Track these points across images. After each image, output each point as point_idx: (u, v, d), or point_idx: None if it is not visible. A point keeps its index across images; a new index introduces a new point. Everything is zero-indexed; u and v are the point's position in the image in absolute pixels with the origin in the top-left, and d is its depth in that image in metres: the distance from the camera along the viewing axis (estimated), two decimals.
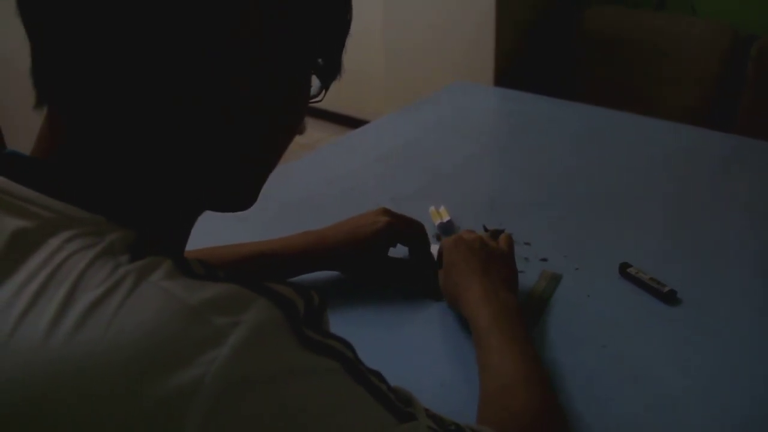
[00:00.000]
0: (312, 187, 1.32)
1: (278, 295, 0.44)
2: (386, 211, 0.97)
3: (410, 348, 0.88)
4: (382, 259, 0.98)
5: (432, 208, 1.14)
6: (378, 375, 0.49)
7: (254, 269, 0.92)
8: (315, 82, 0.57)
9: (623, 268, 0.99)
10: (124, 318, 0.41)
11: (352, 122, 3.20)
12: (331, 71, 0.56)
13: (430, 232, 1.05)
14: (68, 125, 0.49)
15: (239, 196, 0.57)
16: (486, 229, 1.05)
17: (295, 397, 0.42)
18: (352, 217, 0.98)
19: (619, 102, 2.52)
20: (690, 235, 1.11)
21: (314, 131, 2.88)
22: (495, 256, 0.90)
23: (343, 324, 0.90)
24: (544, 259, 1.03)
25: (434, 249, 0.98)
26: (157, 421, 0.39)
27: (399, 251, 1.01)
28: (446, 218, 1.11)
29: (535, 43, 2.94)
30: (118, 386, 0.39)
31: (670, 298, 0.93)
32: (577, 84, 2.85)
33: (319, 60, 0.55)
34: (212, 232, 0.88)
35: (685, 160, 1.38)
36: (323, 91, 0.57)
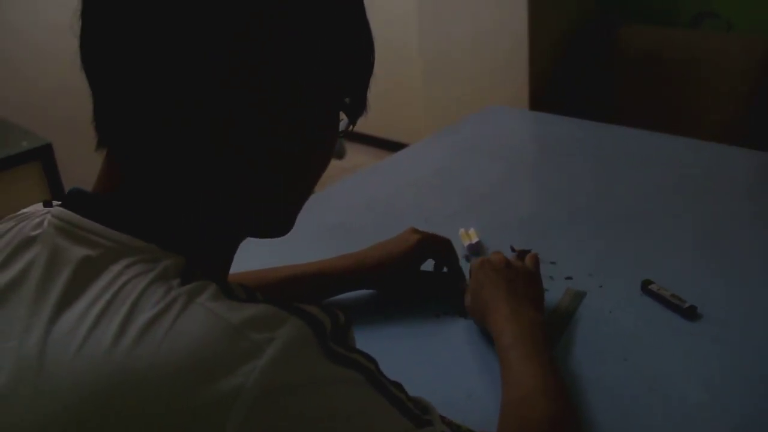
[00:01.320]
0: (350, 211, 1.38)
1: (308, 315, 0.50)
2: (415, 231, 1.04)
3: (439, 362, 0.93)
4: (414, 275, 1.05)
5: (462, 230, 1.19)
6: (398, 386, 0.55)
7: (294, 291, 0.99)
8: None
9: (645, 285, 1.02)
10: (176, 334, 0.47)
11: (393, 146, 3.27)
12: (357, 108, 0.62)
13: (460, 253, 1.10)
14: (124, 166, 0.57)
15: (277, 225, 0.63)
16: (513, 250, 1.10)
17: (322, 404, 0.48)
18: (385, 240, 1.04)
19: (655, 119, 2.54)
20: (715, 252, 1.13)
21: (356, 155, 2.95)
22: (520, 275, 0.95)
23: (378, 338, 0.98)
24: (569, 278, 1.07)
25: (465, 271, 1.04)
26: (203, 422, 0.45)
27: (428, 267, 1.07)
28: (475, 239, 1.16)
29: (569, 63, 2.97)
30: (172, 392, 0.46)
31: (690, 313, 0.96)
32: (613, 102, 2.87)
33: (347, 99, 0.61)
34: (257, 253, 0.94)
35: (714, 178, 1.40)
36: (351, 126, 0.64)
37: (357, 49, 0.60)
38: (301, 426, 0.47)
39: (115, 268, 0.52)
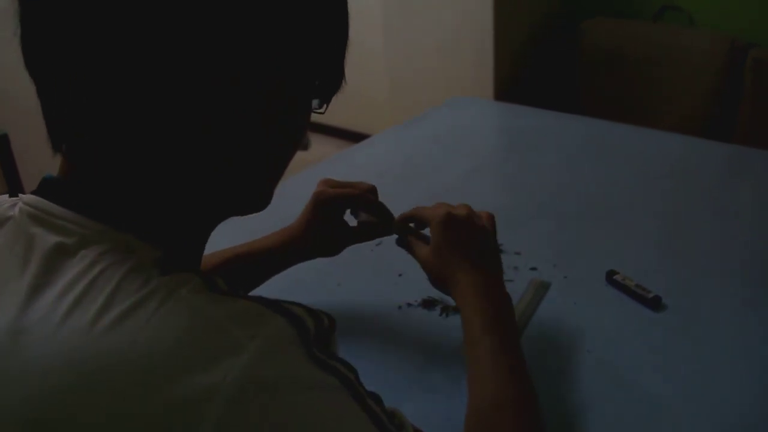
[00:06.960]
0: None
1: (292, 315, 0.49)
2: (324, 182, 0.96)
3: (398, 355, 0.92)
4: (343, 228, 0.96)
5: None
6: (376, 397, 0.54)
7: (232, 271, 0.93)
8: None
9: (610, 275, 1.02)
10: (157, 324, 0.46)
11: (356, 137, 3.24)
12: (332, 85, 0.61)
13: None
14: (84, 162, 0.54)
15: (257, 201, 0.62)
16: None
17: (299, 406, 0.47)
18: None
19: (619, 112, 2.55)
20: (680, 243, 1.13)
21: (319, 146, 2.91)
22: (484, 234, 0.85)
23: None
24: (534, 268, 1.06)
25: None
26: (179, 414, 0.44)
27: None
28: None
29: (534, 55, 2.98)
30: (150, 380, 0.45)
31: (655, 303, 0.96)
32: (577, 95, 2.88)
33: (318, 79, 0.59)
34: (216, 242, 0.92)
35: (680, 169, 1.41)
36: (325, 105, 0.62)
37: (338, 28, 0.59)
38: (276, 426, 0.46)
39: (90, 255, 0.50)
